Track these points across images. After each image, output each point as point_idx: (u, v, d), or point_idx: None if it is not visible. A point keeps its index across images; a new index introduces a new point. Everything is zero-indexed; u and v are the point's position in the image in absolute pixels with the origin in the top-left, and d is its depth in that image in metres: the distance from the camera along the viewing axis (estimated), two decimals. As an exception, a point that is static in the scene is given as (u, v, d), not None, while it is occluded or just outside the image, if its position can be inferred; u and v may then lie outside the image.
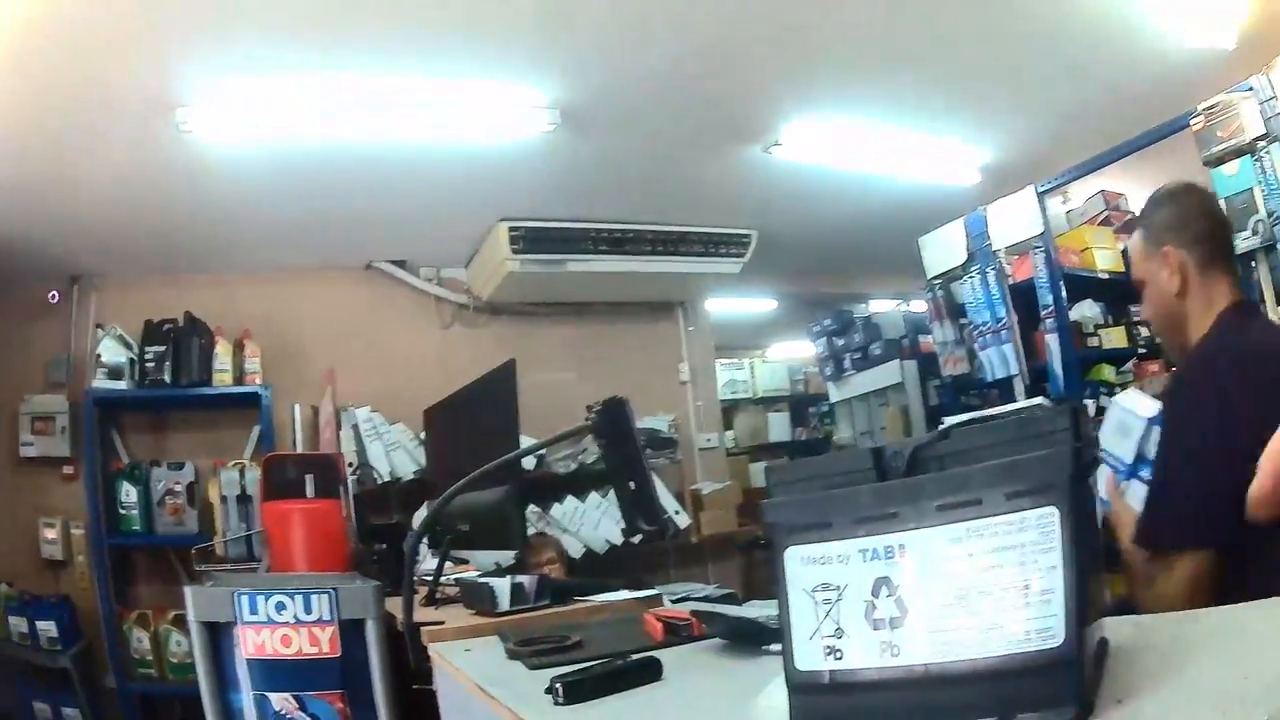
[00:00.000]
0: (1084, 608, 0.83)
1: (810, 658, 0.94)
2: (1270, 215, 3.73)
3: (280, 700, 2.18)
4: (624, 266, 6.02)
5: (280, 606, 2.15)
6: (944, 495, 0.88)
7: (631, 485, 2.12)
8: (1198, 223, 2.07)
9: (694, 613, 1.77)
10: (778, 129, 4.96)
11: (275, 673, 2.17)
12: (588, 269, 5.92)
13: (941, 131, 5.29)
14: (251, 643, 2.17)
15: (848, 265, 7.68)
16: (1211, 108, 3.93)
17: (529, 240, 5.67)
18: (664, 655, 1.49)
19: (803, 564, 0.96)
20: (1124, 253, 5.06)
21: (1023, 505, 0.84)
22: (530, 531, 5.69)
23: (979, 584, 0.85)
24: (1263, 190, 3.76)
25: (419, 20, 3.53)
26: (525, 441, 2.75)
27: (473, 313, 6.51)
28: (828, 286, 7.90)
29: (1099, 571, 0.94)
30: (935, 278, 5.30)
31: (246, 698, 2.21)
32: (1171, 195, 2.13)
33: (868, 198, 5.97)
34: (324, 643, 2.15)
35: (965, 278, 5.03)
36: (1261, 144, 3.76)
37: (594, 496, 6.07)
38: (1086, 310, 5.01)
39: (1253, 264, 3.84)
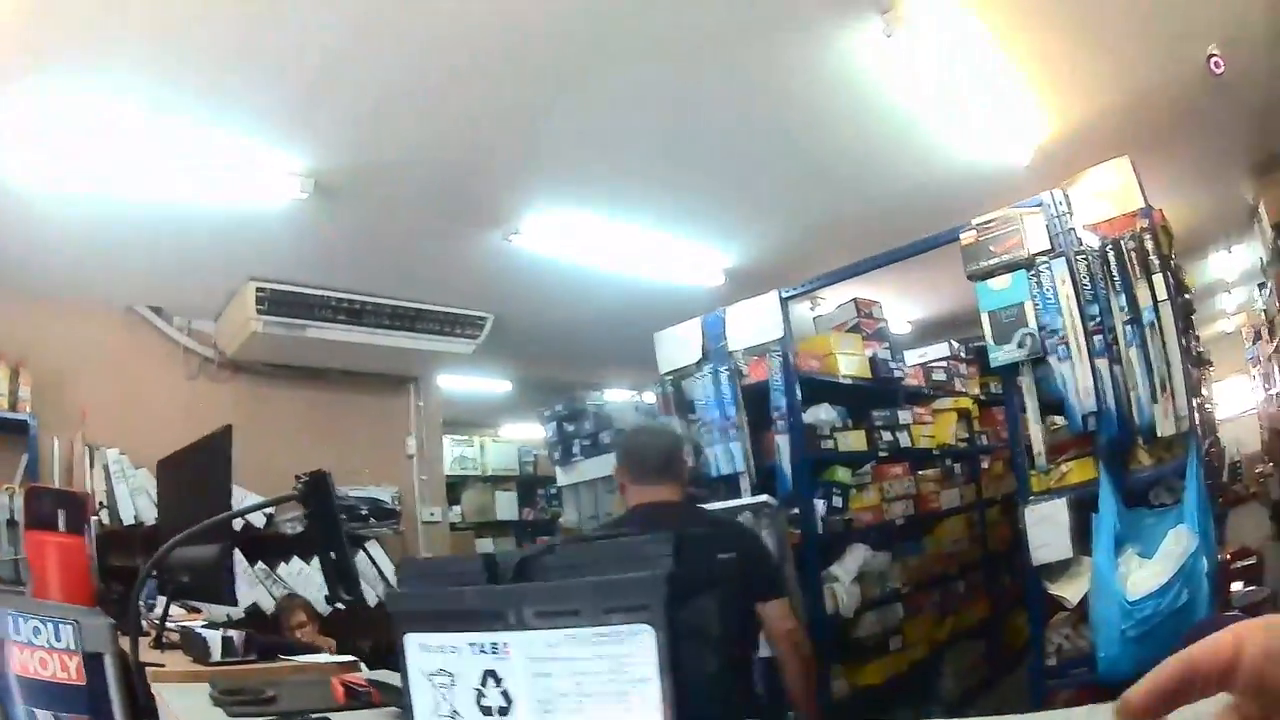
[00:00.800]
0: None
1: None
2: (1042, 329, 3.99)
3: (45, 717, 2.23)
4: (361, 338, 6.19)
5: (36, 631, 2.20)
6: (544, 603, 0.97)
7: (332, 555, 2.20)
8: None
9: (372, 682, 1.92)
10: (518, 218, 5.22)
11: (37, 691, 2.23)
12: (326, 336, 6.03)
13: (681, 233, 5.62)
14: (17, 660, 2.24)
15: (584, 353, 8.01)
16: (988, 223, 4.19)
17: (274, 302, 5.72)
18: (341, 717, 1.70)
19: (421, 650, 1.05)
20: (871, 359, 5.46)
21: (616, 620, 0.92)
22: (271, 589, 5.81)
23: (579, 687, 0.94)
24: (1035, 305, 4.02)
25: (192, 49, 3.48)
26: (250, 498, 2.79)
27: (216, 367, 6.44)
28: (562, 373, 8.16)
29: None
30: (668, 373, 5.42)
31: (19, 710, 2.29)
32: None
33: (605, 290, 6.26)
34: (71, 670, 2.18)
35: (698, 375, 5.17)
36: (1043, 259, 4.03)
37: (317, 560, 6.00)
38: (823, 414, 5.22)
39: (1018, 376, 4.12)
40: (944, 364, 7.17)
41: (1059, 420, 4.12)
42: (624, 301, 6.29)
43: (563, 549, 1.05)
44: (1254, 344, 12.27)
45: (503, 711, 0.98)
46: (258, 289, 5.63)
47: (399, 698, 1.77)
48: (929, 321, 8.73)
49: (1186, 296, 3.99)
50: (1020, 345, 4.07)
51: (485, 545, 8.62)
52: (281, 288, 5.73)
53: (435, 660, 1.03)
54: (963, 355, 7.47)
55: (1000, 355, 4.11)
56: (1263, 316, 9.97)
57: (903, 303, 7.81)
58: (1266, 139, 6.27)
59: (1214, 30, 4.51)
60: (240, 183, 4.33)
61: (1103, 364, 3.91)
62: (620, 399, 7.73)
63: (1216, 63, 4.72)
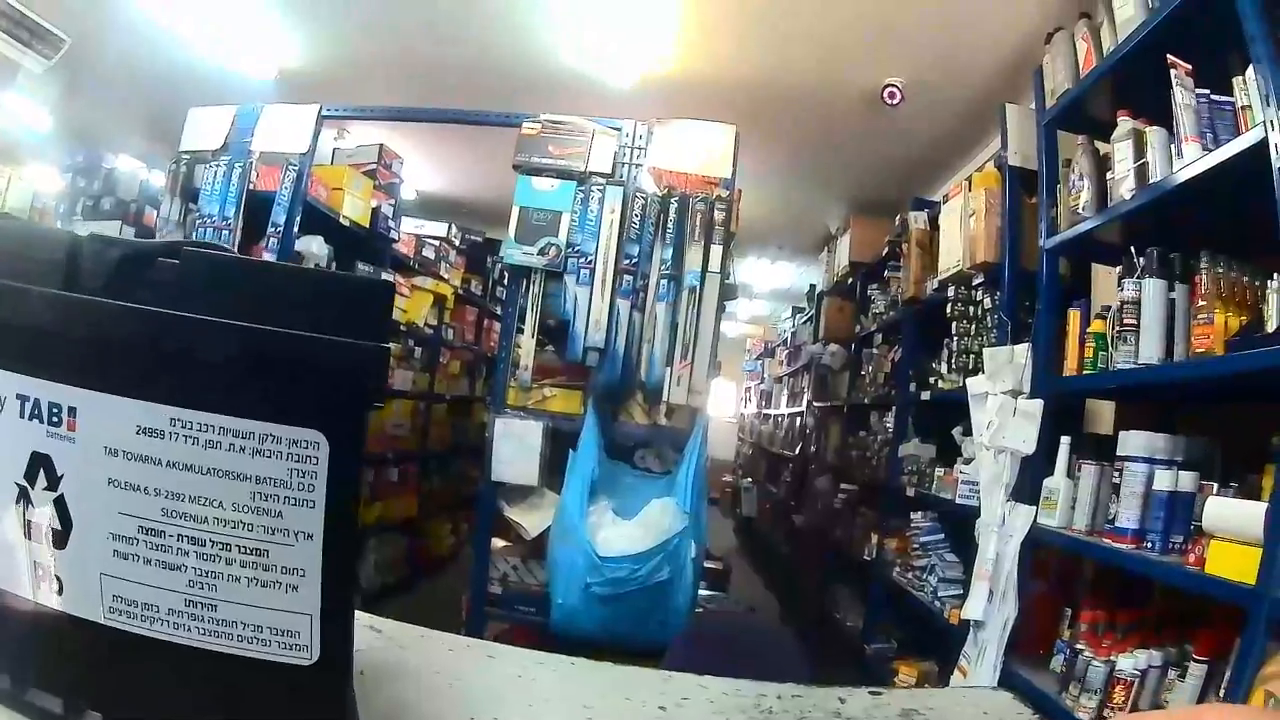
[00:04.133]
0: (348, 610, 0.66)
1: None
2: (570, 246, 3.94)
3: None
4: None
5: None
6: (152, 348, 0.62)
7: None
8: None
9: None
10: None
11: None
12: None
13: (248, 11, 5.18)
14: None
15: (132, 112, 7.02)
16: (559, 123, 4.08)
17: None
18: None
19: None
20: (374, 210, 5.41)
21: (278, 416, 0.62)
22: None
23: (190, 523, 0.62)
24: (574, 220, 3.96)
25: None
26: None
27: None
28: (105, 123, 7.06)
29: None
30: (186, 153, 4.89)
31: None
32: None
33: (176, 52, 5.67)
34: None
35: (212, 164, 4.69)
36: (599, 180, 3.98)
37: None
38: (315, 246, 4.90)
39: (526, 281, 4.02)
40: (437, 243, 7.25)
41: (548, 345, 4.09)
42: (184, 70, 5.73)
43: (204, 257, 0.68)
44: (758, 359, 13.12)
45: (56, 539, 0.63)
46: None
47: None
48: (438, 197, 8.67)
49: (728, 281, 4.01)
50: (542, 253, 3.98)
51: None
52: None
53: None
54: (457, 243, 7.62)
55: (517, 254, 4.00)
56: (785, 339, 10.56)
57: (424, 168, 7.53)
58: (868, 185, 6.84)
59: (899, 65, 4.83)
60: None
61: (624, 305, 3.91)
62: (131, 167, 6.91)
63: (891, 93, 5.09)
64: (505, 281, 4.87)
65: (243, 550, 0.62)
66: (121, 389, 0.61)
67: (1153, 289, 2.76)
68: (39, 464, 0.60)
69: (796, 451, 8.94)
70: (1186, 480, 2.60)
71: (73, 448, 0.60)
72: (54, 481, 0.60)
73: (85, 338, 0.61)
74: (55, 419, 0.60)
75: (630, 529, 3.46)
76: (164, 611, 0.63)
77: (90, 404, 0.60)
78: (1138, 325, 2.79)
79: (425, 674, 0.88)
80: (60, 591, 0.62)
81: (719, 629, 3.36)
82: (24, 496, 0.61)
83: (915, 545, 4.86)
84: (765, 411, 11.92)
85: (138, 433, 0.60)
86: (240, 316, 0.61)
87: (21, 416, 0.60)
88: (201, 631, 0.63)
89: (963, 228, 4.35)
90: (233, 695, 0.65)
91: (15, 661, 0.66)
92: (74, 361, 0.61)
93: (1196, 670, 2.47)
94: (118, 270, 0.62)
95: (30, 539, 0.61)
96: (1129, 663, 2.67)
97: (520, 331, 4.02)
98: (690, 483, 3.61)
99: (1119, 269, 2.98)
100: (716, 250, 3.93)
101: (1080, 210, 3.25)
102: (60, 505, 0.61)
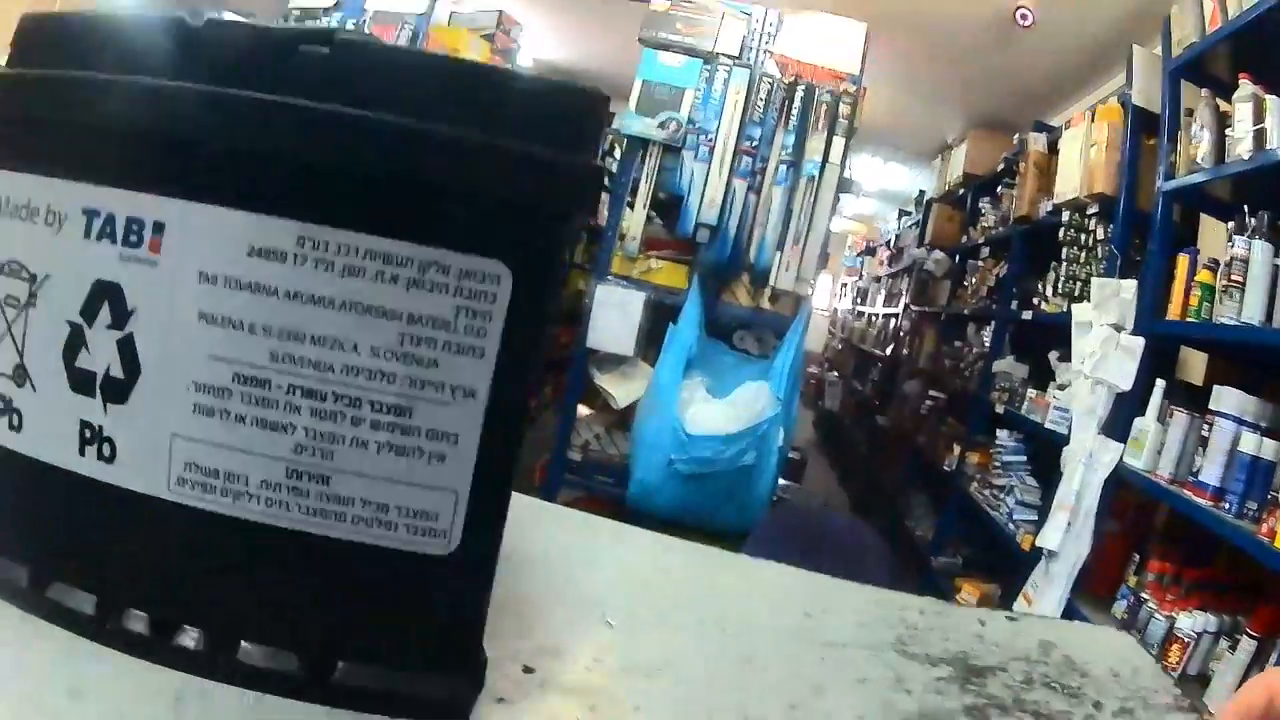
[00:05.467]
0: (503, 492, 0.52)
1: None
2: (691, 123, 3.85)
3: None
4: None
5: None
6: (286, 149, 0.47)
7: None
8: None
9: None
10: None
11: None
12: None
13: None
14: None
15: None
16: (688, 1, 3.96)
17: None
18: None
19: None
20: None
21: (448, 240, 0.48)
22: None
23: (307, 371, 0.49)
24: (697, 98, 3.87)
25: None
26: None
27: None
28: None
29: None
30: (295, 8, 4.88)
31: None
32: None
33: None
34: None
35: (324, 18, 4.68)
36: (725, 62, 3.87)
37: None
38: None
39: (643, 153, 3.94)
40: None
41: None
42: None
43: (365, 48, 0.52)
44: (859, 256, 12.92)
45: (114, 391, 0.49)
46: None
47: None
48: (555, 66, 8.39)
49: (844, 175, 3.90)
50: (663, 126, 3.89)
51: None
52: None
53: (10, 235, 0.52)
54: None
55: (637, 125, 3.91)
56: (888, 241, 10.34)
57: (544, 36, 7.29)
58: (989, 101, 6.62)
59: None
60: None
61: (740, 185, 3.83)
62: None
63: (1024, 15, 4.95)
64: (617, 153, 4.75)
65: (377, 408, 0.48)
66: (232, 200, 0.48)
67: (1260, 251, 2.69)
68: (103, 295, 0.47)
69: (887, 352, 8.74)
70: (1270, 448, 2.53)
71: (154, 274, 0.46)
72: (122, 318, 0.47)
73: (188, 137, 0.46)
74: (134, 238, 0.49)
75: (721, 409, 3.39)
76: (254, 484, 0.50)
77: (185, 218, 0.48)
78: (1244, 283, 2.71)
79: (545, 555, 0.78)
80: (110, 458, 0.49)
81: (795, 520, 3.29)
82: (76, 338, 0.48)
83: (997, 464, 4.71)
84: (860, 309, 11.71)
85: (250, 254, 0.46)
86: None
87: (86, 237, 0.49)
88: (304, 510, 0.51)
89: (1082, 156, 4.19)
90: (330, 593, 0.52)
91: (37, 549, 0.53)
92: (169, 167, 0.49)
93: (1247, 645, 2.42)
94: (248, 58, 0.48)
95: (76, 391, 0.49)
96: (1188, 622, 2.63)
97: (630, 204, 3.93)
98: (787, 370, 3.54)
99: (1230, 224, 2.90)
100: (838, 143, 3.84)
101: (1198, 160, 3.15)
102: (126, 348, 0.48)
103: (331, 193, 0.47)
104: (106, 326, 0.48)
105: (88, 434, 0.49)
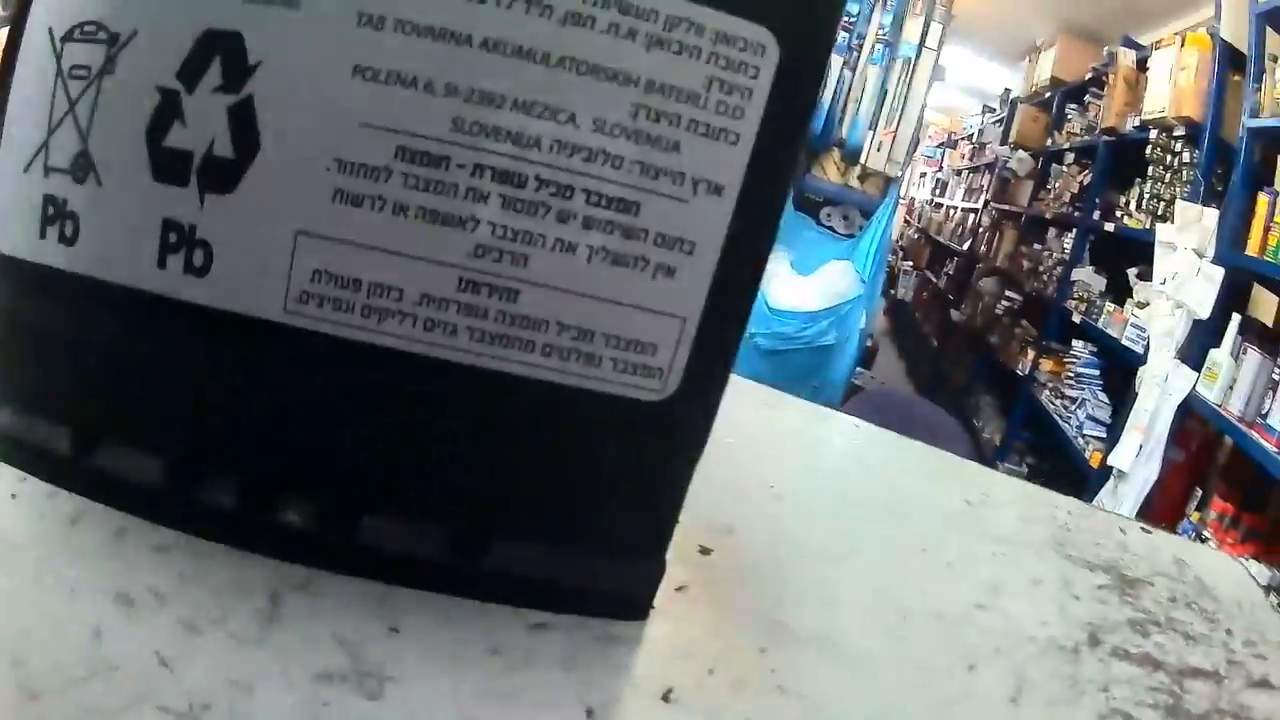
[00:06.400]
0: (739, 322, 0.39)
1: (19, 220, 0.38)
2: None
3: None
4: None
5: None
6: None
7: None
8: None
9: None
10: None
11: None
12: None
13: None
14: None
15: None
16: None
17: None
18: None
19: None
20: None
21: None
22: None
23: (501, 146, 0.35)
24: None
25: None
26: None
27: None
28: None
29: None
30: None
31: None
32: None
33: None
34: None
35: None
36: None
37: None
38: None
39: None
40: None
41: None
42: None
43: None
44: (939, 146, 12.75)
45: (219, 176, 0.35)
46: None
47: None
48: None
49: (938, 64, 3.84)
50: None
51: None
52: None
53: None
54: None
55: None
56: (971, 135, 10.26)
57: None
58: (1080, 8, 6.36)
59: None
60: None
61: (836, 60, 3.71)
62: None
63: None
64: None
65: (594, 200, 0.35)
66: None
67: None
68: (213, 48, 0.34)
69: (965, 247, 8.63)
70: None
71: (293, 16, 0.33)
72: (238, 76, 0.34)
73: None
74: None
75: (806, 285, 3.34)
76: (411, 300, 0.35)
77: None
78: None
79: None
80: (203, 269, 0.35)
81: (872, 404, 3.25)
82: (169, 107, 0.35)
83: (1070, 374, 4.66)
84: (938, 200, 11.58)
85: None
86: None
87: None
88: (477, 336, 0.36)
89: (1171, 78, 4.10)
90: (497, 449, 0.39)
91: (85, 403, 0.39)
92: None
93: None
94: None
95: (160, 180, 0.35)
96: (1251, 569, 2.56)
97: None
98: (873, 252, 3.48)
99: None
100: (936, 29, 3.79)
101: None
102: (242, 115, 0.34)
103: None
104: (214, 90, 0.34)
105: (173, 238, 0.35)
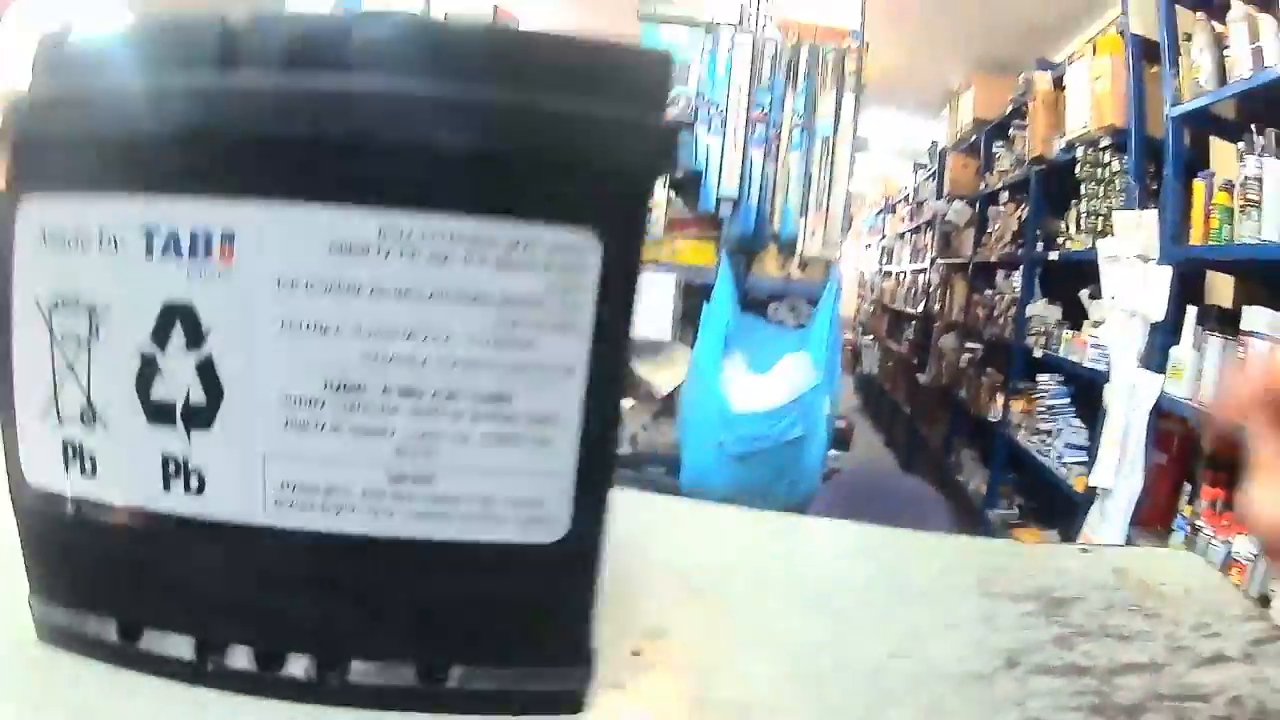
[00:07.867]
0: (607, 471, 0.50)
1: (44, 460, 0.51)
2: (699, 95, 3.80)
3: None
4: None
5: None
6: (358, 138, 0.44)
7: None
8: None
9: None
10: None
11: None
12: None
13: None
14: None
15: None
16: None
17: None
18: None
19: (44, 244, 0.48)
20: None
21: (535, 213, 0.45)
22: None
23: (403, 369, 0.46)
24: (703, 69, 3.81)
25: None
26: None
27: None
28: None
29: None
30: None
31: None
32: None
33: None
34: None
35: None
36: (728, 28, 3.82)
37: None
38: None
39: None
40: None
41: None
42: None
43: (419, 26, 0.48)
44: (878, 214, 12.88)
45: (197, 418, 0.47)
46: None
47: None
48: None
49: (858, 135, 3.88)
50: (672, 103, 3.76)
51: None
52: None
53: (65, 269, 0.48)
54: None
55: None
56: (906, 196, 10.42)
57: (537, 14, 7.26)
58: (989, 43, 6.54)
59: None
60: None
61: (757, 154, 3.77)
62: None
63: None
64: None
65: (476, 398, 0.45)
66: (304, 195, 0.44)
67: (1272, 168, 2.74)
68: (174, 317, 0.44)
69: (919, 309, 8.71)
70: (1306, 363, 2.55)
71: (228, 287, 0.43)
72: (197, 338, 0.44)
73: (252, 135, 0.43)
74: (202, 251, 0.43)
75: (764, 383, 3.34)
76: (356, 495, 0.47)
77: (257, 223, 0.42)
78: (1260, 202, 2.77)
79: (629, 537, 0.78)
80: (199, 489, 0.46)
81: (851, 482, 3.29)
82: (149, 367, 0.45)
83: (1041, 408, 4.70)
84: (886, 268, 11.67)
85: (330, 252, 0.43)
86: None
87: (148, 257, 0.45)
88: (409, 516, 0.48)
89: (1089, 89, 4.22)
90: (441, 597, 0.50)
91: (124, 598, 0.50)
92: (234, 169, 0.43)
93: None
94: (297, 50, 0.44)
95: (154, 423, 0.46)
96: (1245, 544, 2.63)
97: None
98: (825, 337, 3.48)
99: (1240, 145, 2.94)
100: (849, 100, 3.79)
101: (1201, 84, 3.24)
102: (206, 370, 0.44)
103: (410, 175, 0.44)
104: (181, 351, 0.45)
105: (172, 468, 0.46)
